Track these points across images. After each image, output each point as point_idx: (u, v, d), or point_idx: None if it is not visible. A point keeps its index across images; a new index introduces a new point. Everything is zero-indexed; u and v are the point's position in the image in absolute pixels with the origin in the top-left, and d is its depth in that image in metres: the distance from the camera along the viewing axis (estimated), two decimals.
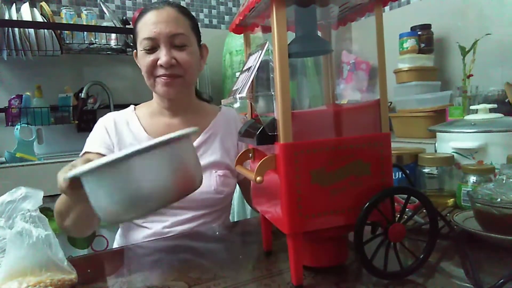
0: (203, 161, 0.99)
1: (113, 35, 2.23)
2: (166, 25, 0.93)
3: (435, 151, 0.99)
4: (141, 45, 0.95)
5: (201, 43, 1.05)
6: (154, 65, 0.95)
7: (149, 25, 0.94)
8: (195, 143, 1.01)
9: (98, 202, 0.57)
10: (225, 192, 1.00)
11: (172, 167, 0.58)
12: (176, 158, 0.58)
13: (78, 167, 0.56)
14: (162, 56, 0.93)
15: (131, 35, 2.27)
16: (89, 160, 0.91)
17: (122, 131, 1.02)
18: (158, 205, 0.57)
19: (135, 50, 1.03)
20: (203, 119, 1.06)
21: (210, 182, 0.98)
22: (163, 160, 0.57)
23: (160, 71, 0.95)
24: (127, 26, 2.29)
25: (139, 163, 0.55)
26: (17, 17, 1.93)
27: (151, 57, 0.94)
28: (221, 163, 1.01)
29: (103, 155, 0.97)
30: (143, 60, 0.95)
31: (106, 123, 1.04)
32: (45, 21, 2.02)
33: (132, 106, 1.09)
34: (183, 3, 2.73)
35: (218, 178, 0.99)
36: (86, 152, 1.00)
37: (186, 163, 0.61)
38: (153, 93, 1.04)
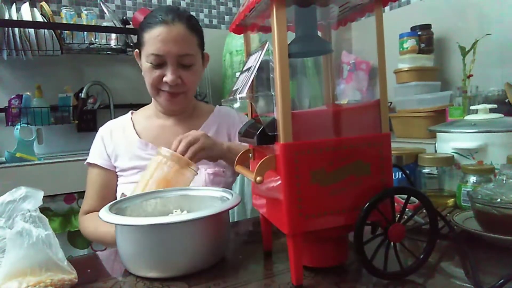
0: None
1: (113, 35, 2.23)
2: (175, 44, 0.93)
3: (435, 151, 0.99)
4: (147, 58, 0.95)
5: (204, 51, 1.05)
6: (159, 80, 0.96)
7: (158, 41, 0.93)
8: None
9: (124, 250, 0.61)
10: None
11: (208, 237, 0.60)
12: (213, 229, 0.61)
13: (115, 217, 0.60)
14: (169, 74, 0.94)
15: (131, 35, 2.27)
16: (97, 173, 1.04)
17: (117, 139, 1.06)
18: (180, 271, 0.59)
19: (136, 50, 1.03)
20: (195, 121, 1.07)
21: (199, 180, 0.98)
22: (202, 230, 0.60)
23: (165, 87, 0.96)
24: (127, 26, 2.29)
25: (178, 231, 0.58)
26: (17, 17, 1.93)
27: (157, 73, 0.95)
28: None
29: (100, 167, 1.05)
30: (149, 73, 0.96)
31: (103, 133, 1.09)
32: (45, 21, 2.02)
33: (130, 112, 1.13)
34: (183, 4, 2.73)
35: (207, 176, 0.99)
36: (88, 163, 1.08)
37: (222, 233, 0.64)
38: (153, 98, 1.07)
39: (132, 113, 1.13)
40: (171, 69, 0.94)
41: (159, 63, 0.94)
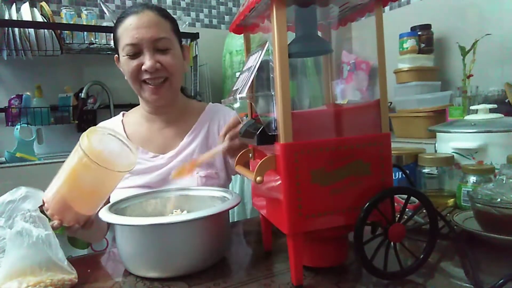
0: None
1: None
2: (147, 30, 0.92)
3: (435, 151, 0.99)
4: (123, 50, 0.94)
5: (182, 43, 1.04)
6: (138, 70, 0.94)
7: (130, 30, 0.92)
8: (178, 147, 1.01)
9: (124, 250, 0.62)
10: None
11: (208, 237, 0.61)
12: (213, 229, 0.62)
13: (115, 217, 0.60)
14: (146, 61, 0.92)
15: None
16: None
17: None
18: (180, 271, 0.59)
19: (116, 55, 1.02)
20: (186, 121, 1.05)
21: (192, 183, 0.96)
22: (202, 230, 0.60)
23: (145, 76, 0.94)
24: None
25: (178, 231, 0.58)
26: (17, 17, 1.93)
27: (135, 62, 0.93)
28: (203, 163, 0.99)
29: None
30: (127, 65, 0.95)
31: None
32: (45, 21, 2.02)
33: (121, 114, 1.12)
34: (183, 4, 2.73)
35: (200, 179, 0.97)
36: None
37: (222, 232, 0.64)
38: (139, 97, 1.05)
39: (123, 114, 1.11)
40: (148, 55, 0.93)
41: (136, 52, 0.93)
